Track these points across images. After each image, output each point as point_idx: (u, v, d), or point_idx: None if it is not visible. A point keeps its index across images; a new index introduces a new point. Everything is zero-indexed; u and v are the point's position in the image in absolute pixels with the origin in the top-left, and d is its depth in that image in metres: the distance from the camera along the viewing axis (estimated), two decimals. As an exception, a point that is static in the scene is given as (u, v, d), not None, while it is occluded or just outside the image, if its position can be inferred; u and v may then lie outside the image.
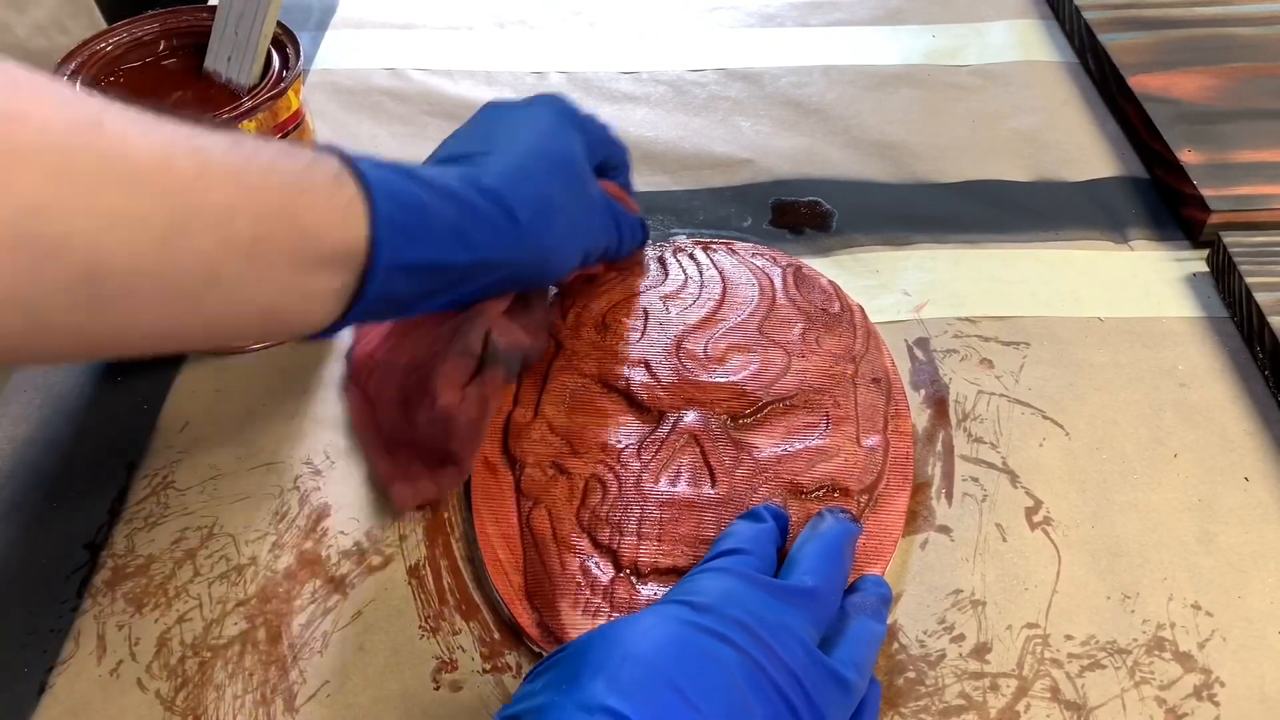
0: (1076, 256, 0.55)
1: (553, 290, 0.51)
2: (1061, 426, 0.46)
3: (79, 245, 0.30)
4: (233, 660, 0.39)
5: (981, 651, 0.39)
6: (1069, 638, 0.39)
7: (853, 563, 0.39)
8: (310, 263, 0.35)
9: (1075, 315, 0.51)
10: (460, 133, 0.45)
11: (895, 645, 0.39)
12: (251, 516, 0.44)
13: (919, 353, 0.50)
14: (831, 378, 0.46)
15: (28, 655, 0.40)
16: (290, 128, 0.47)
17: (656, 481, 0.42)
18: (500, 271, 0.41)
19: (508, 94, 0.67)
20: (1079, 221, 0.57)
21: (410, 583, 0.42)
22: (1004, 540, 0.42)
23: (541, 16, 0.74)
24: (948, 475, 0.45)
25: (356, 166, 0.37)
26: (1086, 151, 0.62)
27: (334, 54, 0.71)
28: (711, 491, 0.42)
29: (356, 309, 0.37)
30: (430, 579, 0.42)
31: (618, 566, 0.40)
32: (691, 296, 0.49)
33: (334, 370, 0.50)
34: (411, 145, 0.63)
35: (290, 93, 0.46)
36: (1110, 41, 0.65)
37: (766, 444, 0.43)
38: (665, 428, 0.44)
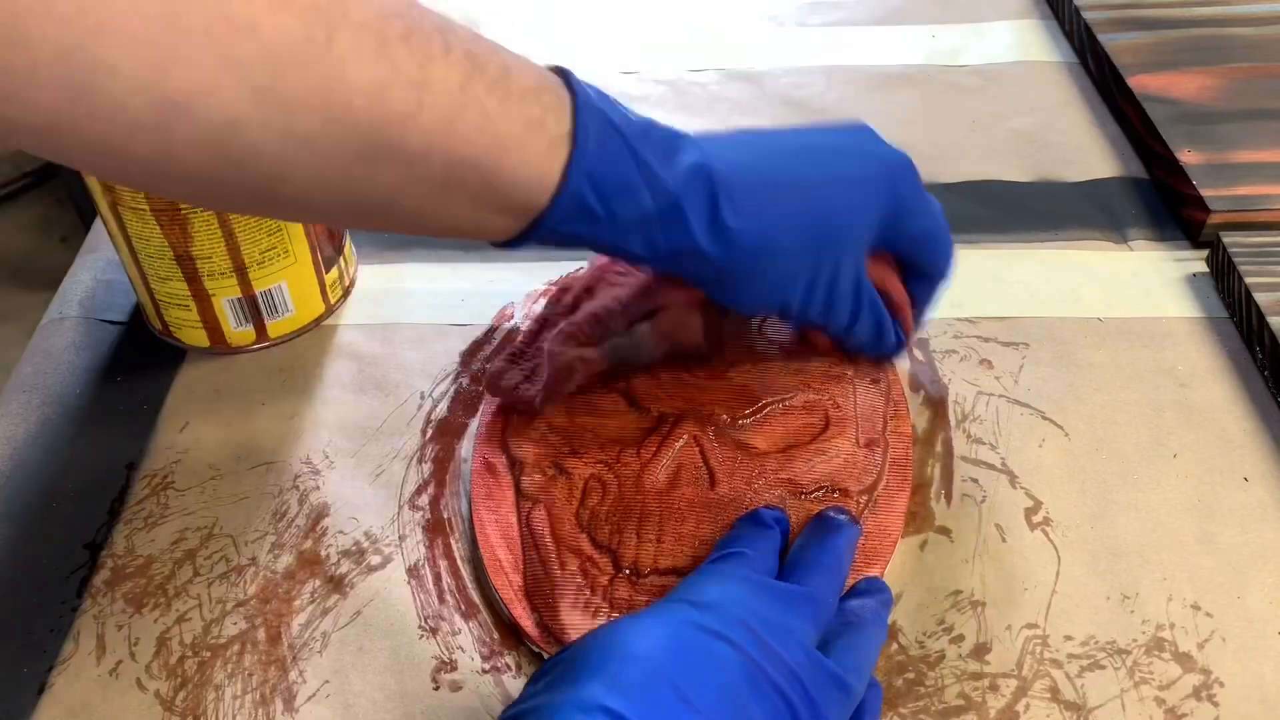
0: (1076, 257, 0.55)
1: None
2: (1061, 427, 0.46)
3: (267, 159, 0.31)
4: (232, 660, 0.39)
5: (981, 652, 0.39)
6: (1068, 638, 0.39)
7: (852, 565, 0.39)
8: (492, 207, 0.36)
9: (1075, 316, 0.51)
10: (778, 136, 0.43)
11: (894, 646, 0.39)
12: (251, 516, 0.44)
13: (918, 353, 0.50)
14: (831, 378, 0.46)
15: (27, 655, 0.40)
16: (290, 128, 0.47)
17: (656, 481, 0.42)
18: (681, 270, 0.39)
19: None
20: (1079, 222, 0.57)
21: (410, 582, 0.42)
22: (1003, 541, 0.42)
23: (542, 16, 0.74)
24: (947, 476, 0.45)
25: (579, 116, 0.36)
26: (1086, 152, 0.61)
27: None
28: (711, 492, 0.42)
29: (531, 236, 0.37)
30: (430, 579, 0.42)
31: (617, 566, 0.40)
32: (691, 297, 0.49)
33: (334, 370, 0.50)
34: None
35: (290, 93, 0.46)
36: (1110, 41, 0.65)
37: (766, 444, 0.43)
38: (665, 428, 0.44)
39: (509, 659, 0.39)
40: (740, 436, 0.44)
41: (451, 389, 0.49)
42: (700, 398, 0.45)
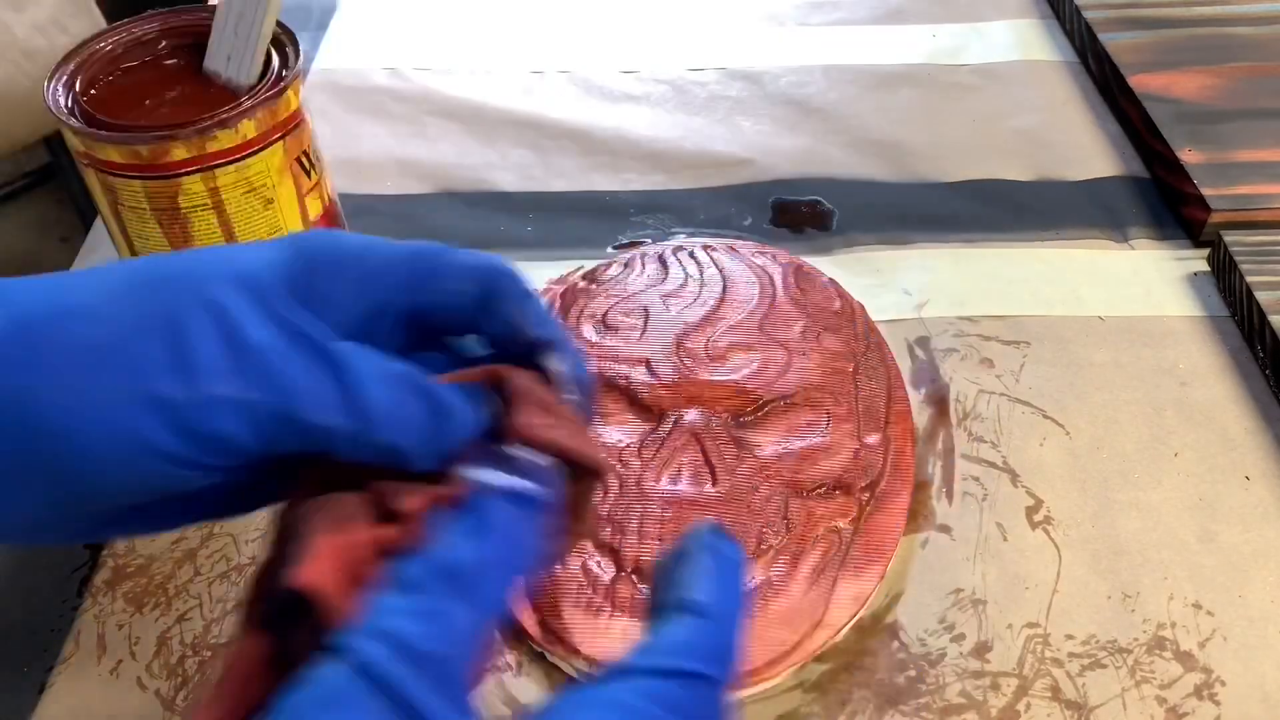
0: (1077, 256, 0.55)
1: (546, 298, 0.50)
2: (1062, 426, 0.46)
3: None
4: (233, 659, 0.39)
5: (982, 650, 0.39)
6: (1069, 637, 0.39)
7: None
8: None
9: (1076, 314, 0.51)
10: None
11: (896, 644, 0.39)
12: (251, 515, 0.44)
13: (919, 352, 0.50)
14: (832, 376, 0.46)
15: (28, 655, 0.40)
16: (290, 127, 0.47)
17: (657, 480, 0.42)
18: None
19: (508, 94, 0.67)
20: (1079, 221, 0.57)
21: (410, 582, 0.42)
22: (1004, 539, 0.42)
23: (542, 16, 0.74)
24: (948, 474, 0.45)
25: None
26: (1087, 151, 0.61)
27: (334, 54, 0.71)
28: (713, 490, 0.42)
29: None
30: (430, 578, 0.42)
31: (619, 566, 0.40)
32: (692, 295, 0.49)
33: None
34: (412, 145, 0.63)
35: (290, 92, 0.46)
36: (1110, 41, 0.65)
37: (767, 442, 0.43)
38: (666, 426, 0.44)
39: (509, 658, 0.39)
40: (742, 435, 0.44)
41: (452, 388, 0.49)
42: (701, 396, 0.45)
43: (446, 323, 0.30)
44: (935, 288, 0.53)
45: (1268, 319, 0.47)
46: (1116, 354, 0.49)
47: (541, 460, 0.27)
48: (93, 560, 0.43)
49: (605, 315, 0.49)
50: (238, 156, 0.45)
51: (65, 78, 0.47)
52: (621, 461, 0.43)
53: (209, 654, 0.40)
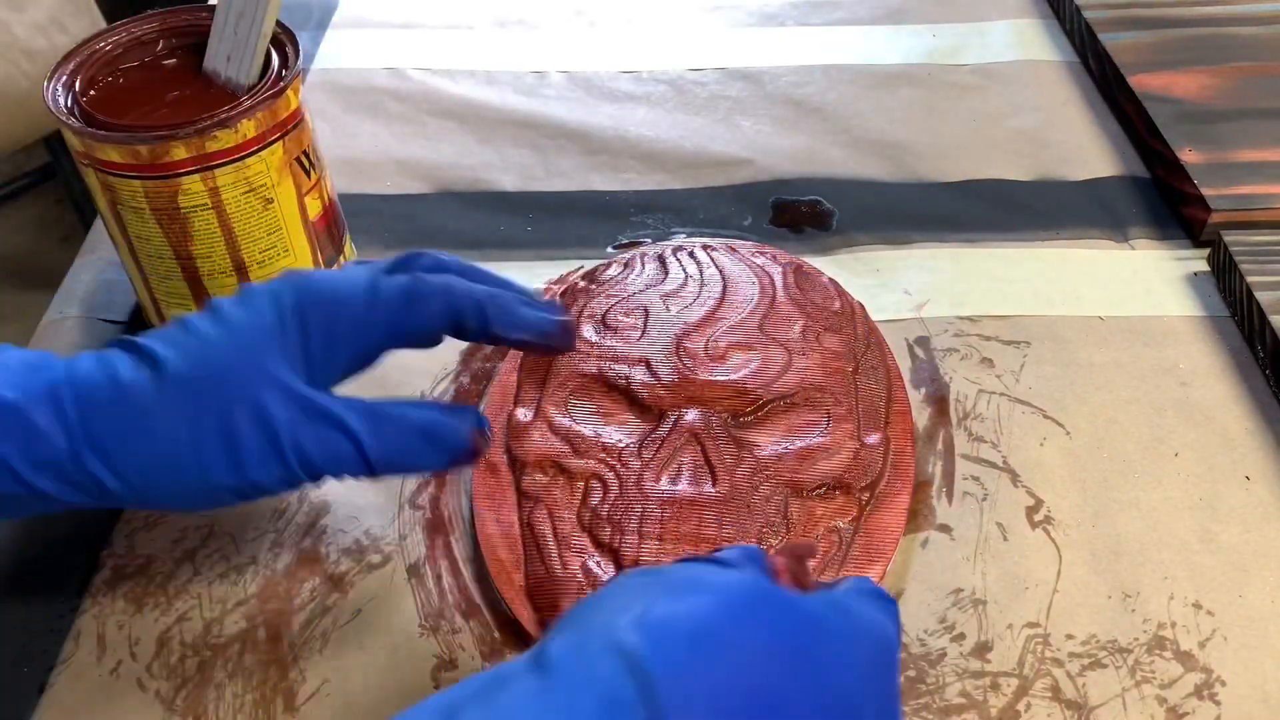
0: (1077, 256, 0.55)
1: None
2: (1062, 426, 0.46)
3: None
4: (232, 659, 0.39)
5: (982, 650, 0.39)
6: (1070, 637, 0.39)
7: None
8: None
9: (1076, 314, 0.51)
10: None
11: (896, 644, 0.39)
12: (250, 515, 0.44)
13: (919, 352, 0.50)
14: (832, 376, 0.46)
15: (28, 655, 0.40)
16: (289, 127, 0.47)
17: (657, 480, 0.42)
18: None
19: (508, 94, 0.67)
20: (1079, 221, 0.57)
21: (410, 582, 0.42)
22: (1005, 539, 0.42)
23: (542, 16, 0.74)
24: (948, 474, 0.45)
25: None
26: (1087, 151, 0.61)
27: (334, 54, 0.71)
28: (712, 490, 0.42)
29: None
30: (430, 578, 0.42)
31: (619, 565, 0.40)
32: (692, 295, 0.49)
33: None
34: (411, 145, 0.63)
35: (289, 92, 0.46)
36: (1110, 41, 0.65)
37: (767, 442, 0.43)
38: (666, 426, 0.44)
39: (509, 658, 0.39)
40: (742, 435, 0.44)
41: (452, 388, 0.49)
42: (701, 396, 0.45)
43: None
44: (935, 288, 0.53)
45: (1268, 319, 0.47)
46: (1116, 354, 0.49)
47: None
48: (93, 560, 0.43)
49: (605, 315, 0.49)
50: (237, 156, 0.45)
51: (65, 78, 0.47)
52: (621, 461, 0.43)
53: (209, 654, 0.40)
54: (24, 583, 0.42)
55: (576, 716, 0.24)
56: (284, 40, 0.48)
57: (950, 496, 0.44)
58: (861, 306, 0.50)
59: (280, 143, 0.46)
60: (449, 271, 0.38)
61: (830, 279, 0.51)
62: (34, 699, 0.38)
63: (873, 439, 0.44)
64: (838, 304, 0.49)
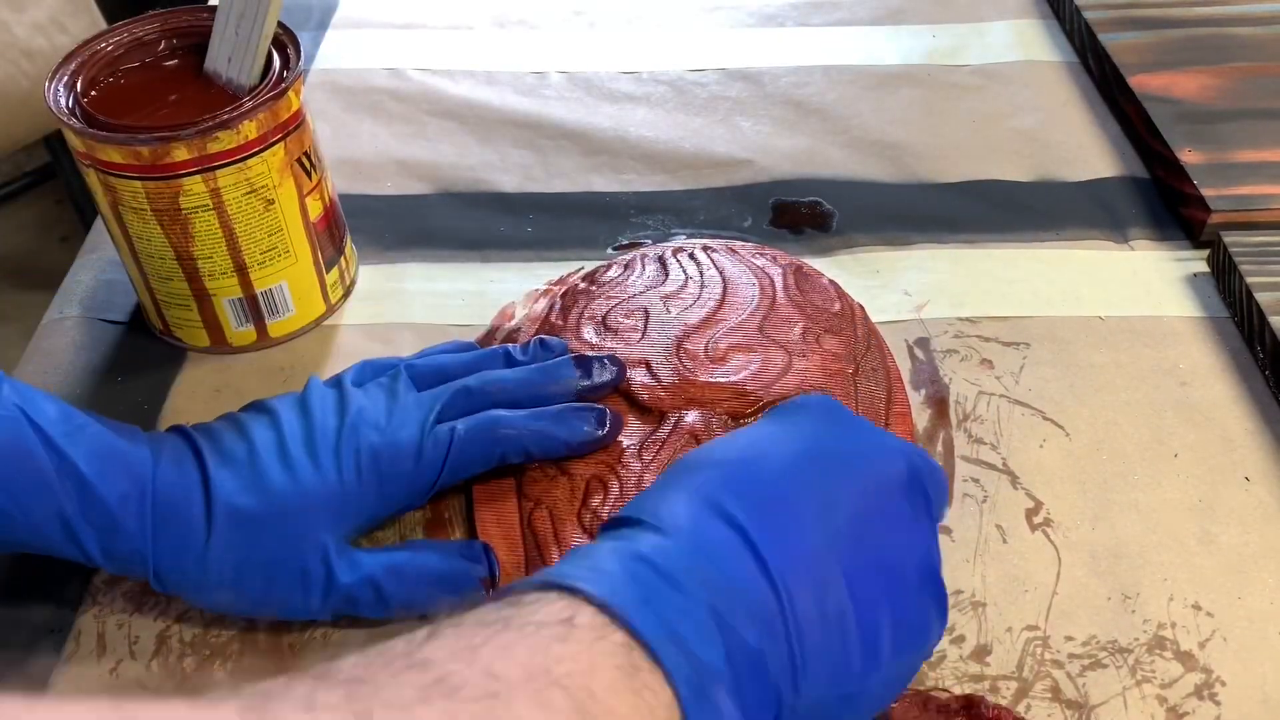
0: (1077, 256, 0.55)
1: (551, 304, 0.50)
2: (1062, 427, 0.46)
3: None
4: (232, 658, 0.39)
5: (981, 654, 0.39)
6: (1069, 638, 0.39)
7: None
8: None
9: (1076, 315, 0.51)
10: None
11: (896, 645, 0.39)
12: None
13: (919, 353, 0.50)
14: (833, 377, 0.46)
15: (28, 654, 0.40)
16: (291, 128, 0.47)
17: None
18: None
19: (508, 94, 0.67)
20: (1079, 221, 0.57)
21: (411, 583, 0.42)
22: (1004, 541, 0.42)
23: (542, 16, 0.74)
24: (948, 475, 0.45)
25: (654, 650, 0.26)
26: (1087, 151, 0.61)
27: (334, 54, 0.71)
28: (712, 491, 0.42)
29: None
30: (431, 579, 0.42)
31: (618, 566, 0.40)
32: (692, 296, 0.49)
33: (334, 370, 0.50)
34: (411, 145, 0.63)
35: (290, 93, 0.46)
36: (1110, 41, 0.65)
37: (767, 444, 0.43)
38: (666, 428, 0.44)
39: (510, 659, 0.39)
40: (741, 436, 0.44)
41: (452, 389, 0.49)
42: (701, 398, 0.45)
43: None
44: (935, 288, 0.53)
45: (1268, 320, 0.47)
46: (1116, 355, 0.49)
47: None
48: (93, 561, 0.43)
49: (605, 317, 0.49)
50: (238, 157, 0.45)
51: (66, 78, 0.47)
52: (622, 463, 0.43)
53: (208, 653, 0.40)
54: (24, 582, 0.42)
55: (702, 560, 0.29)
56: (285, 41, 0.48)
57: (950, 498, 0.44)
58: (861, 308, 0.50)
59: (281, 144, 0.46)
60: (489, 390, 0.43)
61: (830, 280, 0.51)
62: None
63: (873, 440, 0.44)
64: (838, 305, 0.49)
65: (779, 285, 0.50)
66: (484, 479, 0.43)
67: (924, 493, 0.34)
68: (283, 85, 0.46)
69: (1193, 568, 0.41)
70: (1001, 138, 0.63)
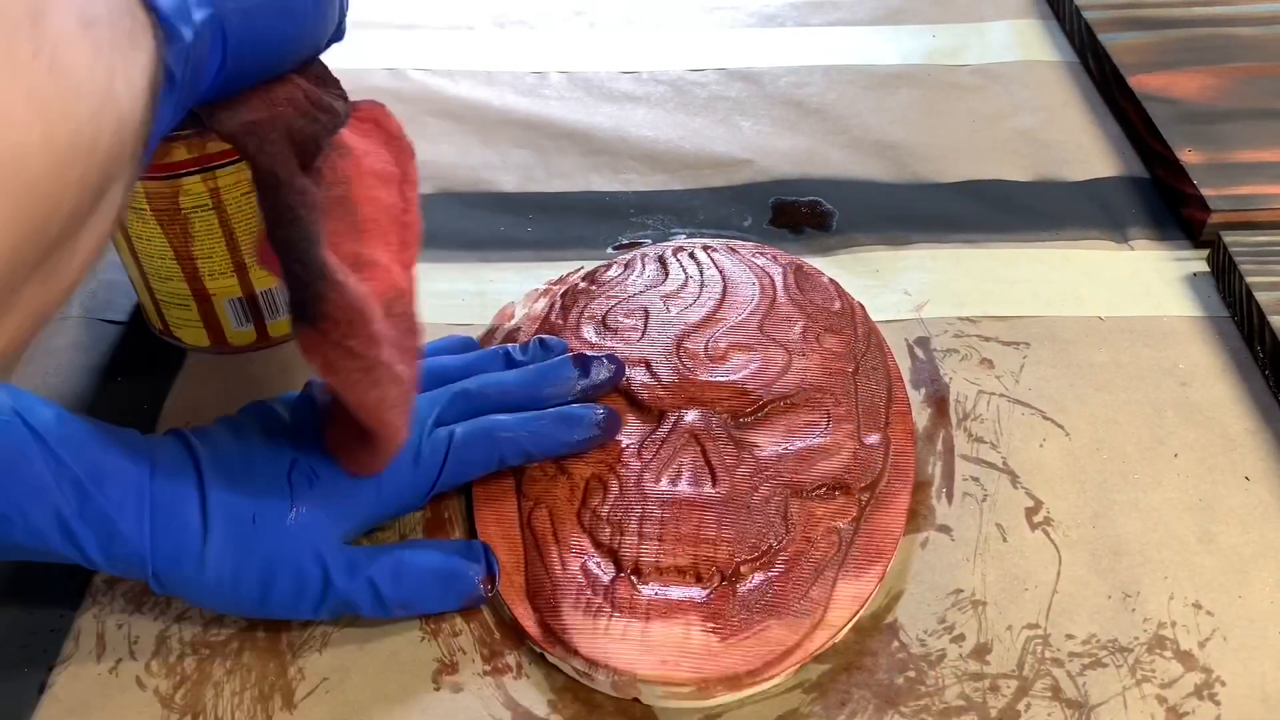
0: (1077, 256, 0.55)
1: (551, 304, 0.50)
2: (1062, 426, 0.46)
3: None
4: (231, 657, 0.39)
5: (981, 652, 0.39)
6: (1070, 637, 0.39)
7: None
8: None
9: (1075, 315, 0.51)
10: None
11: (896, 644, 0.39)
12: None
13: (919, 352, 0.50)
14: (833, 376, 0.46)
15: (28, 654, 0.40)
16: (290, 127, 0.47)
17: (657, 481, 0.42)
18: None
19: (508, 94, 0.67)
20: (1079, 221, 0.57)
21: (410, 582, 0.42)
22: (1004, 540, 0.42)
23: (541, 16, 0.74)
24: (948, 475, 0.45)
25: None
26: (1087, 151, 0.62)
27: (334, 54, 0.71)
28: (712, 491, 0.42)
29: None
30: (430, 578, 0.42)
31: (619, 566, 0.40)
32: (692, 296, 0.49)
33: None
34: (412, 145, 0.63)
35: (290, 92, 0.46)
36: (1110, 41, 0.65)
37: (767, 443, 0.43)
38: (666, 427, 0.44)
39: (510, 659, 0.39)
40: (741, 435, 0.44)
41: (452, 388, 0.49)
42: (701, 397, 0.45)
43: None
44: (935, 288, 0.53)
45: (1268, 319, 0.47)
46: (1116, 354, 0.49)
47: None
48: (92, 560, 0.43)
49: (605, 316, 0.49)
50: (238, 157, 0.45)
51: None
52: (622, 462, 0.43)
53: (207, 652, 0.40)
54: (24, 582, 0.42)
55: None
56: (284, 40, 0.48)
57: (950, 497, 0.44)
58: (861, 307, 0.50)
59: (280, 143, 0.46)
60: (488, 393, 0.43)
61: (830, 279, 0.51)
62: (34, 698, 0.38)
63: (872, 439, 0.44)
64: (838, 304, 0.49)
65: (779, 284, 0.50)
66: (484, 478, 0.43)
67: None
68: (282, 85, 0.46)
69: (1193, 567, 0.41)
70: (1001, 138, 0.63)
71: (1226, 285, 0.52)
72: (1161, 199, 0.58)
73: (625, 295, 0.50)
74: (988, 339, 0.50)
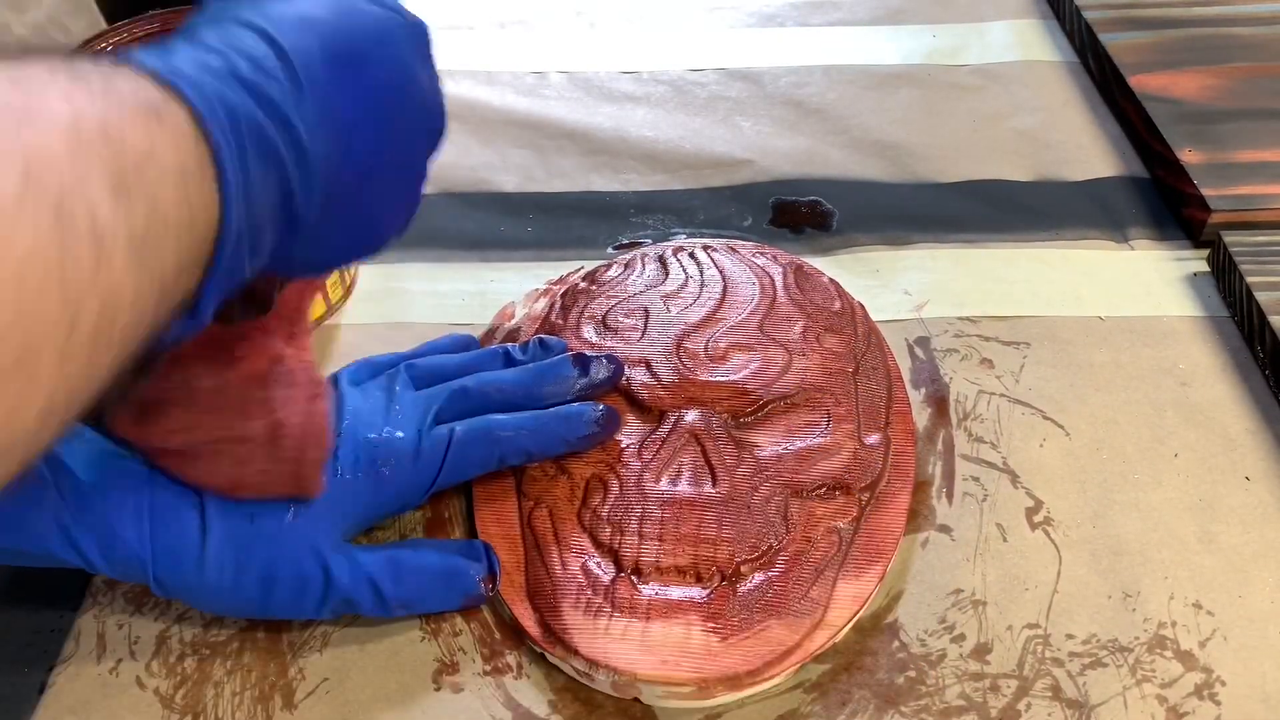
0: (1077, 256, 0.55)
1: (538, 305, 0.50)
2: (1062, 426, 0.46)
3: None
4: (231, 657, 0.39)
5: (982, 652, 0.39)
6: (1070, 637, 0.39)
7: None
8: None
9: (1076, 315, 0.51)
10: None
11: (896, 643, 0.39)
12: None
13: (919, 352, 0.50)
14: (833, 376, 0.46)
15: (28, 654, 0.40)
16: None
17: (657, 481, 0.42)
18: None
19: (508, 94, 0.67)
20: (1079, 221, 0.57)
21: (410, 582, 0.42)
22: (1004, 540, 0.42)
23: (541, 16, 0.74)
24: (948, 475, 0.45)
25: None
26: (1087, 151, 0.61)
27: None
28: (713, 490, 0.42)
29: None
30: (430, 578, 0.42)
31: (619, 566, 0.40)
32: (692, 296, 0.49)
33: (332, 370, 0.50)
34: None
35: (290, 92, 0.46)
36: (1110, 41, 0.65)
37: (768, 442, 0.43)
38: (666, 427, 0.44)
39: (510, 659, 0.39)
40: (742, 435, 0.44)
41: (452, 388, 0.49)
42: (701, 396, 0.45)
43: None
44: (935, 288, 0.53)
45: (1268, 319, 0.47)
46: (1116, 354, 0.49)
47: None
48: (93, 560, 0.43)
49: (605, 316, 0.49)
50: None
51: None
52: (622, 462, 0.43)
53: (207, 652, 0.40)
54: (25, 583, 0.42)
55: (232, 64, 0.28)
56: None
57: (950, 497, 0.44)
58: (862, 307, 0.50)
59: (280, 143, 0.46)
60: (487, 392, 0.43)
61: (831, 279, 0.51)
62: (34, 699, 0.38)
63: (873, 439, 0.44)
64: (838, 304, 0.49)
65: (779, 284, 0.50)
66: (484, 478, 0.43)
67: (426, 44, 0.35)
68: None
69: (1193, 567, 0.41)
70: (1001, 138, 0.63)
71: (1226, 285, 0.52)
72: (1161, 199, 0.58)
73: (625, 295, 0.50)
74: (988, 339, 0.50)
